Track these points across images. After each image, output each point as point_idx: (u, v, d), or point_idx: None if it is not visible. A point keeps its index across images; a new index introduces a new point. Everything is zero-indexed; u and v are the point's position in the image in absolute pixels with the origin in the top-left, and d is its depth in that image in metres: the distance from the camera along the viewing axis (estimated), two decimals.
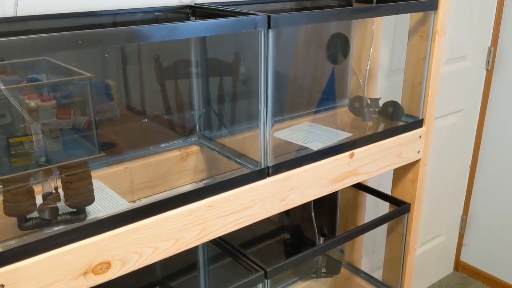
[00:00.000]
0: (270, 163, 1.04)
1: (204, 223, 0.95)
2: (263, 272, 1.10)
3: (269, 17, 0.91)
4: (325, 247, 1.30)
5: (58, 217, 0.84)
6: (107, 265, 0.84)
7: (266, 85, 0.97)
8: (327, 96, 1.53)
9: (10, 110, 0.92)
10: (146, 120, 1.21)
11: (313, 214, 1.58)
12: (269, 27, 0.92)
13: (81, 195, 0.86)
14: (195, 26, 0.87)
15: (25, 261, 0.76)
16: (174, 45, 1.18)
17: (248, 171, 1.04)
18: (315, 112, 1.45)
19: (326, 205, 1.69)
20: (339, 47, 1.47)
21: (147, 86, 1.18)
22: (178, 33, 0.83)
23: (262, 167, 1.03)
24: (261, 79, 0.96)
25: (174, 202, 0.91)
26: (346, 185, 1.20)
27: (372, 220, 1.35)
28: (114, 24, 1.07)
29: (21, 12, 0.96)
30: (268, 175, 1.04)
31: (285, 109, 1.42)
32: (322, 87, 1.53)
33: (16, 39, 0.69)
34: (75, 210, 0.85)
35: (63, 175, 0.86)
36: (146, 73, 1.17)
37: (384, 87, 1.71)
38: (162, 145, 1.20)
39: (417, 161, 1.37)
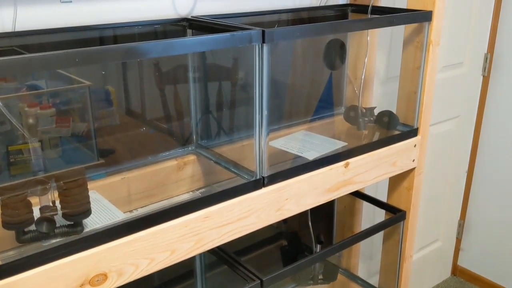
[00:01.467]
0: (265, 174, 1.05)
1: (200, 234, 0.96)
2: (259, 281, 1.11)
3: (263, 31, 0.93)
4: (322, 255, 1.31)
5: (55, 230, 0.85)
6: (104, 277, 0.85)
7: (261, 98, 0.98)
8: (323, 104, 1.54)
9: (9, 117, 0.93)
10: (144, 128, 1.22)
11: (310, 221, 1.59)
12: (263, 41, 0.93)
13: (78, 205, 0.87)
14: (191, 42, 0.88)
15: (23, 273, 0.77)
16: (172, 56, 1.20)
17: (243, 181, 1.06)
18: (311, 121, 1.47)
19: (323, 212, 1.70)
20: (336, 53, 1.48)
21: (145, 93, 1.19)
22: (174, 49, 0.84)
23: (258, 177, 1.05)
24: (256, 92, 0.98)
25: (170, 214, 0.92)
26: (342, 194, 1.21)
27: (368, 228, 1.36)
28: (113, 38, 1.08)
29: (19, 27, 0.97)
30: (264, 185, 1.05)
31: (281, 117, 1.44)
32: (318, 95, 1.54)
33: (13, 58, 0.70)
34: (72, 222, 0.86)
35: (60, 183, 0.87)
36: (145, 80, 1.18)
37: (380, 94, 1.72)
38: (159, 155, 1.21)
39: (412, 170, 1.39)
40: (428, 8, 1.24)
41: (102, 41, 1.09)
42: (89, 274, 0.83)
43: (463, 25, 1.98)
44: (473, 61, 2.10)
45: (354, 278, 1.71)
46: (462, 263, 2.46)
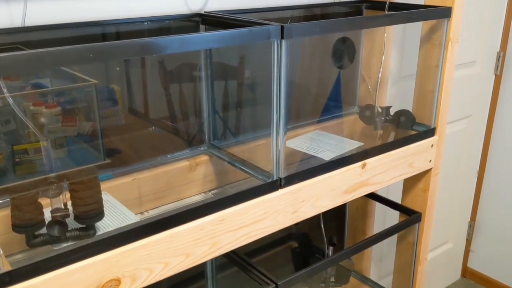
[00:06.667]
0: (282, 175, 1.02)
1: (215, 238, 0.93)
2: (274, 285, 1.08)
3: (282, 27, 0.89)
4: (337, 258, 1.28)
5: (67, 234, 0.82)
6: (117, 282, 0.82)
7: (279, 96, 0.94)
8: (334, 103, 1.51)
9: (15, 116, 0.91)
10: (153, 128, 1.19)
11: (322, 222, 1.56)
12: (282, 37, 0.90)
13: (91, 208, 0.84)
14: (208, 38, 0.84)
15: (33, 279, 0.74)
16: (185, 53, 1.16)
17: (259, 182, 1.03)
18: (324, 120, 1.43)
19: (335, 213, 1.67)
20: (345, 52, 1.45)
21: (153, 92, 1.16)
22: (190, 45, 0.81)
23: (274, 178, 1.01)
24: (274, 90, 0.94)
25: (185, 217, 0.89)
26: (358, 195, 1.18)
27: (384, 230, 1.33)
28: (123, 34, 1.05)
29: (28, 22, 0.94)
30: (281, 186, 1.02)
31: (294, 117, 1.40)
32: (329, 93, 1.51)
33: (25, 53, 0.67)
34: (84, 226, 0.83)
35: (73, 184, 0.84)
36: (152, 79, 1.15)
37: (393, 94, 1.68)
38: (170, 155, 1.18)
39: (428, 170, 1.35)
40: (447, 4, 1.20)
41: (111, 37, 1.06)
42: (102, 280, 0.80)
43: (476, 23, 1.94)
44: (485, 59, 2.06)
45: (366, 280, 1.68)
46: (472, 265, 2.42)
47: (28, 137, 0.94)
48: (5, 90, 0.77)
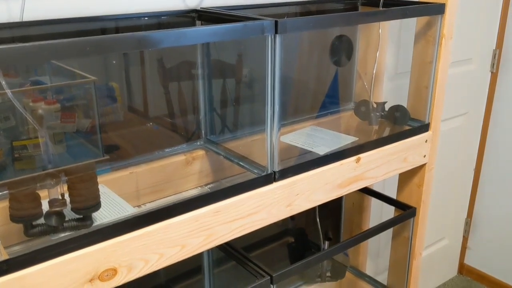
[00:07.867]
0: (276, 168, 1.03)
1: (210, 229, 0.94)
2: (269, 277, 1.09)
3: (276, 22, 0.91)
4: (332, 252, 1.29)
5: (64, 224, 0.83)
6: (113, 271, 0.83)
7: (273, 91, 0.96)
8: (331, 100, 1.52)
9: (14, 112, 0.92)
10: (151, 124, 1.20)
11: (317, 217, 1.57)
12: (276, 32, 0.91)
13: (88, 199, 0.85)
14: (202, 32, 0.86)
15: (31, 268, 0.75)
16: (178, 47, 1.18)
17: (254, 176, 1.04)
18: (320, 116, 1.45)
19: (331, 209, 1.69)
20: (342, 49, 1.46)
21: (151, 89, 1.17)
22: (186, 39, 0.83)
23: (269, 172, 1.03)
24: (268, 84, 0.96)
25: (180, 208, 0.90)
26: (352, 190, 1.19)
27: (378, 225, 1.34)
28: (119, 29, 1.06)
29: (27, 17, 0.95)
30: (275, 180, 1.03)
31: (289, 112, 1.42)
32: (327, 90, 1.52)
33: (22, 46, 0.68)
34: (81, 216, 0.84)
35: (70, 176, 0.85)
36: (150, 76, 1.16)
37: (389, 90, 1.70)
38: (167, 150, 1.19)
39: (423, 165, 1.37)
40: (440, 1, 1.21)
41: (109, 32, 1.07)
42: (98, 269, 0.81)
43: (471, 21, 1.96)
44: (481, 57, 2.07)
45: (362, 275, 1.69)
46: (469, 261, 2.44)
47: (27, 134, 0.95)
48: (4, 83, 0.78)
